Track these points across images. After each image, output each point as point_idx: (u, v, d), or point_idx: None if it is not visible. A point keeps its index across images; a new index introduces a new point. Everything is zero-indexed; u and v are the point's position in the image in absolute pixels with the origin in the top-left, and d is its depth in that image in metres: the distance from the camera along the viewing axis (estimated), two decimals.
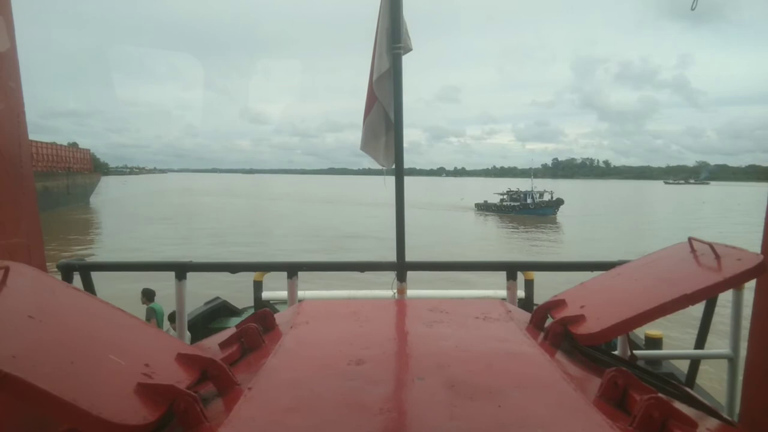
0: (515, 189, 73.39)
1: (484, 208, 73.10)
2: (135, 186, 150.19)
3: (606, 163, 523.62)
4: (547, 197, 67.59)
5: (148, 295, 10.13)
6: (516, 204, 68.65)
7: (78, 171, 64.48)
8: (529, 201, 67.99)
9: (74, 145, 71.83)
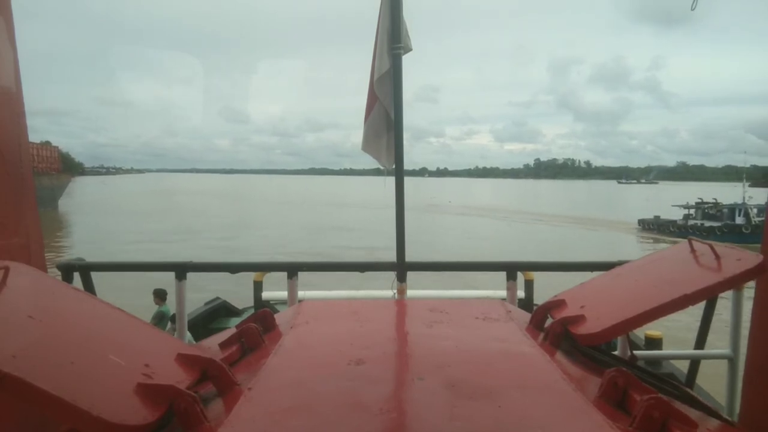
0: (712, 200, 48.12)
1: (654, 227, 48.96)
2: (112, 187, 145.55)
3: (587, 163, 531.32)
4: None
5: (161, 296, 9.35)
6: (716, 225, 43.67)
7: (44, 171, 60.32)
8: (739, 220, 43.29)
9: (47, 143, 69.20)
